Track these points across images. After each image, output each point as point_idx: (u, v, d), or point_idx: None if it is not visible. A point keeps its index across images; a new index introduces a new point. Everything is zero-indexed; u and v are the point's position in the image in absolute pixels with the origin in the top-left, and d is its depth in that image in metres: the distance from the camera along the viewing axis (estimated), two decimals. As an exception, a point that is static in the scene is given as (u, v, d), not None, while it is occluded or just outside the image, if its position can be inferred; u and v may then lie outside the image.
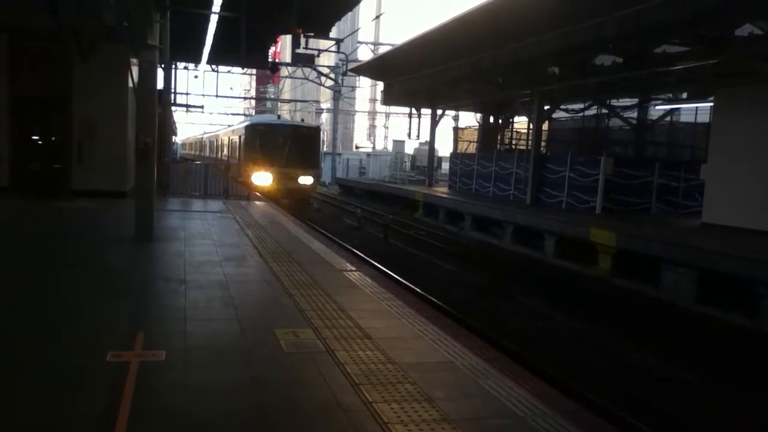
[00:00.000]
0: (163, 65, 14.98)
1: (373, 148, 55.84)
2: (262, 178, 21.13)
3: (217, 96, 37.19)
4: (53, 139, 14.65)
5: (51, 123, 14.64)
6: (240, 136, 24.39)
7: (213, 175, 18.08)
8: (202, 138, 44.22)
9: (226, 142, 29.66)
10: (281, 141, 21.86)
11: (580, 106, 23.41)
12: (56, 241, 9.08)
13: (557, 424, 3.57)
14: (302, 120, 35.54)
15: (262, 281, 6.92)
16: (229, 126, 35.03)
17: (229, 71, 32.86)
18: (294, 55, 21.88)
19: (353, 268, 8.09)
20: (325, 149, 40.10)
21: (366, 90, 59.70)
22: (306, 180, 21.94)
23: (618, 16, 12.33)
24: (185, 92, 33.14)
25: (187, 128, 65.04)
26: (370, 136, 65.14)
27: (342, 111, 46.28)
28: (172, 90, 20.24)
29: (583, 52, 15.58)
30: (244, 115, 52.27)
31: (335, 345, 4.71)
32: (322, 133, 26.52)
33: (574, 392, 6.07)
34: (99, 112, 14.08)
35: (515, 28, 15.09)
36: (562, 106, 23.00)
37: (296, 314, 5.55)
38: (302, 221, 13.05)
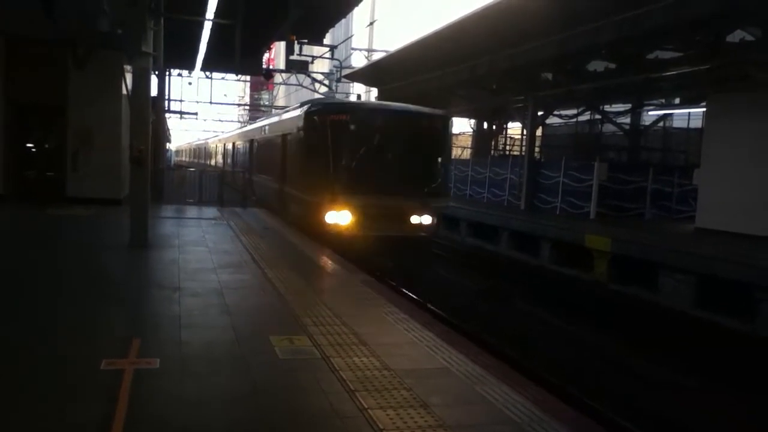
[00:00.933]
0: (156, 72, 14.96)
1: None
2: (340, 216, 11.15)
3: (211, 103, 36.92)
4: (47, 146, 14.61)
5: (47, 130, 14.61)
6: (289, 135, 13.51)
7: (207, 182, 17.79)
8: (206, 143, 38.40)
9: (256, 147, 18.64)
10: (377, 142, 11.69)
11: (574, 111, 23.49)
12: (51, 248, 9.02)
13: (554, 430, 3.56)
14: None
15: (256, 288, 6.90)
16: (254, 120, 24.54)
17: (223, 78, 32.78)
18: (288, 61, 21.21)
19: (348, 275, 8.07)
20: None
21: (361, 96, 59.77)
22: (423, 218, 11.77)
23: (617, 21, 12.39)
24: (179, 99, 33.05)
25: (181, 135, 64.95)
26: (364, 142, 64.98)
27: (337, 117, 45.94)
28: (166, 97, 20.24)
29: (579, 57, 15.64)
30: (240, 121, 51.59)
31: (330, 351, 4.69)
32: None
33: (573, 398, 6.04)
34: (94, 119, 14.04)
35: (513, 33, 15.12)
36: (555, 112, 23.06)
37: (291, 321, 5.53)
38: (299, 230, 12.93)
